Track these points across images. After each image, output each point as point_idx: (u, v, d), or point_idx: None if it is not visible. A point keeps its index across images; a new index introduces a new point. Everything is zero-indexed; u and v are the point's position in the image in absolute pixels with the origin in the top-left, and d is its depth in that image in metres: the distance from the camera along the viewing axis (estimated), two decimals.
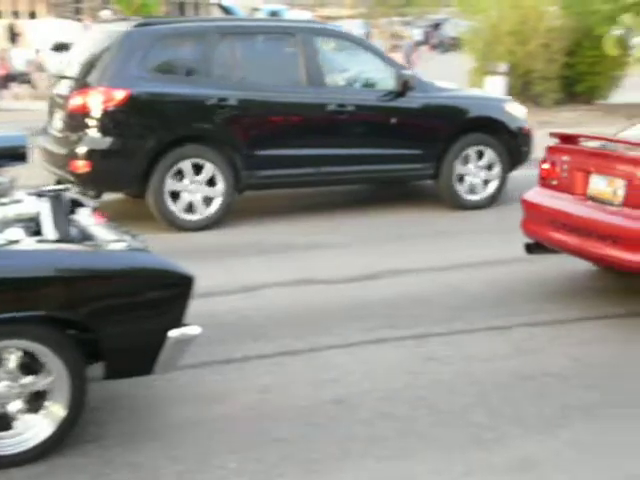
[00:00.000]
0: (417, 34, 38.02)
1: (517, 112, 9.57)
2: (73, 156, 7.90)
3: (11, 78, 21.65)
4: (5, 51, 22.88)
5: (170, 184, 8.05)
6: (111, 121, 7.89)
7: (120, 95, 7.84)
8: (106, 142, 7.89)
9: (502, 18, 17.02)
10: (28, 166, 4.94)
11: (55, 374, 3.76)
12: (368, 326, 5.58)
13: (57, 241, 3.93)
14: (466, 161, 9.12)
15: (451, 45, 36.92)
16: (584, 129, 11.22)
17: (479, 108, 9.36)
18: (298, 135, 8.54)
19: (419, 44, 33.37)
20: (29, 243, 3.88)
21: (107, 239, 4.04)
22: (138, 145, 7.94)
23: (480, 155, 9.15)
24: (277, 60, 8.78)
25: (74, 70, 8.57)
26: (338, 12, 45.87)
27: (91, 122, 7.89)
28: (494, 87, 15.60)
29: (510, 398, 4.53)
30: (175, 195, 8.10)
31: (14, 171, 4.69)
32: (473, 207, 9.14)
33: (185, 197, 8.14)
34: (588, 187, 5.82)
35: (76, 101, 8.01)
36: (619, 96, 14.22)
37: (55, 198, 4.23)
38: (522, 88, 16.78)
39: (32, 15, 37.80)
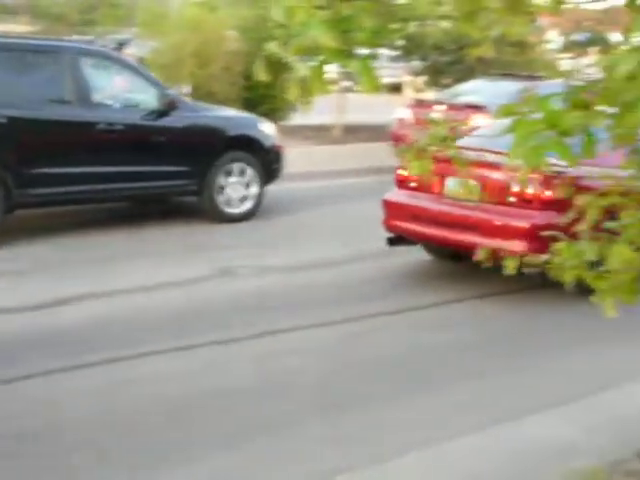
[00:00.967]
0: None
1: (269, 130, 10.20)
2: None
3: None
4: None
5: None
6: None
7: None
8: None
9: (184, 40, 17.29)
10: None
11: None
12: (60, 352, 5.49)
13: None
14: (227, 177, 9.56)
15: None
16: None
17: (239, 127, 9.96)
18: (67, 153, 8.63)
19: None
20: None
21: None
22: None
23: (241, 172, 9.65)
24: (44, 78, 8.68)
25: None
26: (14, 28, 43.98)
27: None
28: None
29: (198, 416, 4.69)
30: None
31: None
32: (232, 220, 9.55)
33: None
34: (445, 188, 7.09)
35: None
36: (301, 118, 15.25)
37: None
38: None
39: None
